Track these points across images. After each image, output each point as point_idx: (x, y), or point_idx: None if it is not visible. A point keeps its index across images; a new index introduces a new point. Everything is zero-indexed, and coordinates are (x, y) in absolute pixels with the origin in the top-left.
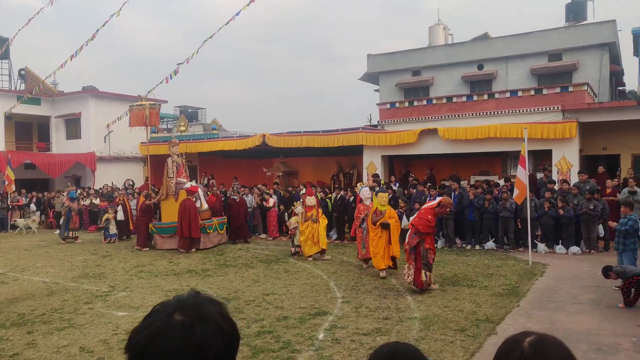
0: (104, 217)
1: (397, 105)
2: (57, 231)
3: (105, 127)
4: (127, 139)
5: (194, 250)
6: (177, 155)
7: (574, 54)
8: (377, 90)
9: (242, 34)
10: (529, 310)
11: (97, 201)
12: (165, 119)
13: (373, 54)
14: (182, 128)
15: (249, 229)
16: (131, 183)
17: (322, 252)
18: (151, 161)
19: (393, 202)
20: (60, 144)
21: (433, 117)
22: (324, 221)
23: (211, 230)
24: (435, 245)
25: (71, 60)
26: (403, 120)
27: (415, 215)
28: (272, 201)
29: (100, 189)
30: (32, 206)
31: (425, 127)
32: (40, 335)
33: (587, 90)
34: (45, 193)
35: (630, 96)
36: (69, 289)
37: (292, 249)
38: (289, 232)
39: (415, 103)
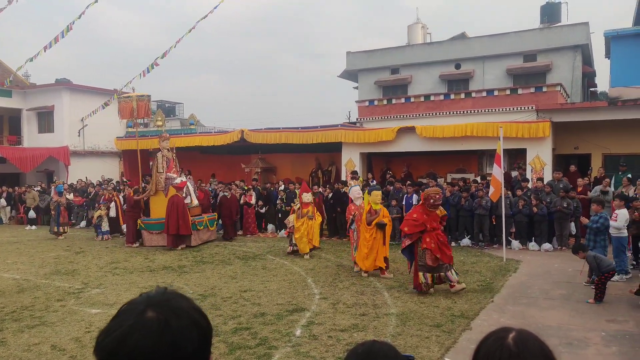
0: (96, 214)
1: (376, 102)
2: (28, 227)
3: (79, 121)
4: (102, 134)
5: (184, 246)
6: (168, 149)
7: (548, 55)
8: (356, 88)
9: (221, 30)
10: (503, 305)
11: (70, 196)
12: None
13: (352, 52)
14: (159, 123)
15: (234, 227)
16: (107, 179)
17: (313, 249)
18: (125, 156)
19: None
20: (32, 138)
21: (411, 115)
22: (319, 218)
23: (201, 227)
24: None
25: (45, 51)
26: (381, 117)
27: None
28: (253, 198)
29: (73, 184)
30: (2, 201)
31: (403, 125)
32: (10, 333)
33: (560, 91)
34: (16, 188)
35: (601, 97)
36: (40, 285)
37: (290, 248)
38: (288, 230)
39: (394, 101)
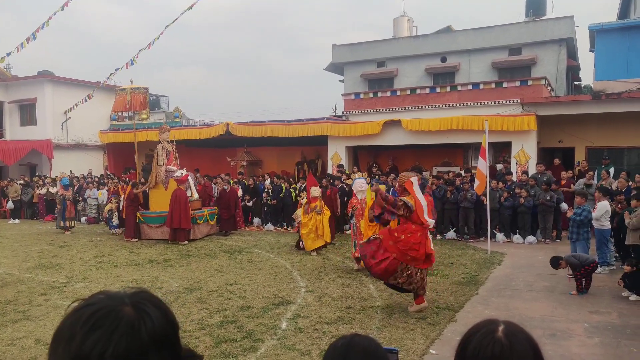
0: (107, 208)
1: (362, 96)
2: (10, 221)
3: (62, 114)
4: (85, 127)
5: (186, 242)
6: (168, 142)
7: (533, 48)
8: (342, 81)
9: (206, 21)
10: (487, 297)
11: (54, 190)
12: None
13: (338, 45)
14: (144, 116)
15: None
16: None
17: (325, 245)
18: (110, 149)
19: None
20: (14, 131)
21: (397, 109)
22: (327, 213)
23: (201, 221)
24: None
25: (28, 43)
26: (367, 111)
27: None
28: (240, 191)
29: (56, 177)
30: None
31: (389, 118)
32: None
33: (545, 84)
34: None
35: (585, 91)
36: (24, 280)
37: (301, 243)
38: (296, 225)
39: (380, 94)
